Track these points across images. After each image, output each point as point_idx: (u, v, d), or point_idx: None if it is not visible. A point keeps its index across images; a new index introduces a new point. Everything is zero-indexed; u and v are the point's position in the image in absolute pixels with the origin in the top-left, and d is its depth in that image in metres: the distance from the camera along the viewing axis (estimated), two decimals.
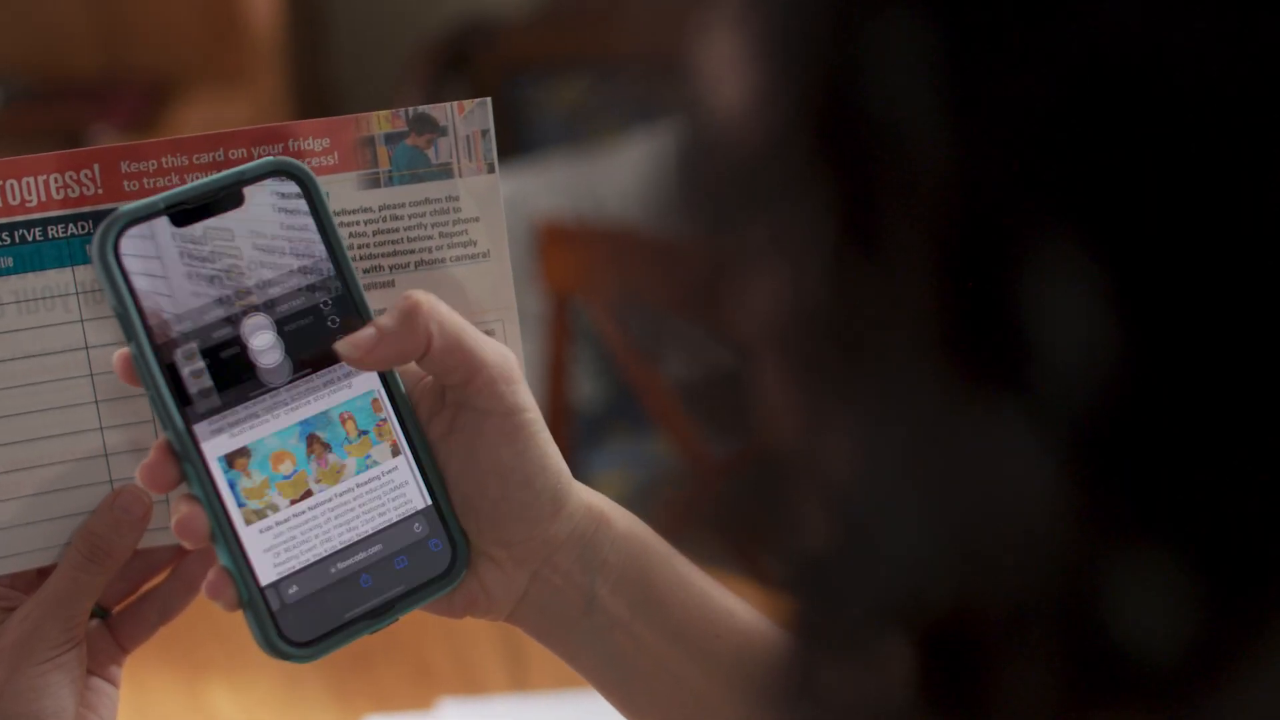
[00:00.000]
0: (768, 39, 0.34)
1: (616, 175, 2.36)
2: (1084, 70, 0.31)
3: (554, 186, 2.34)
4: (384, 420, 0.72)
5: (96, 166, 0.72)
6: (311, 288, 0.71)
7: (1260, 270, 0.31)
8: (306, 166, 0.72)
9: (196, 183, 0.71)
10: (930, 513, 0.33)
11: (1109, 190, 0.31)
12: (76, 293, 0.72)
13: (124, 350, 0.69)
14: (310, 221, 0.71)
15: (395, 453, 0.72)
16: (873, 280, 0.33)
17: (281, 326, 0.71)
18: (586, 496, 0.73)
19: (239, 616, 0.70)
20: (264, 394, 0.70)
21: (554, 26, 2.74)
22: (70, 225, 0.72)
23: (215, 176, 0.71)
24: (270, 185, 0.71)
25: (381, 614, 0.71)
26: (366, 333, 0.70)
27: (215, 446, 0.69)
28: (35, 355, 0.73)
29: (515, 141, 2.66)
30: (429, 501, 0.72)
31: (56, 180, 0.72)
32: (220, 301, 0.70)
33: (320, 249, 0.72)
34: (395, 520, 0.72)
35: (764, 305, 0.35)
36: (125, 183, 0.72)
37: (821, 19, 0.33)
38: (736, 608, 0.73)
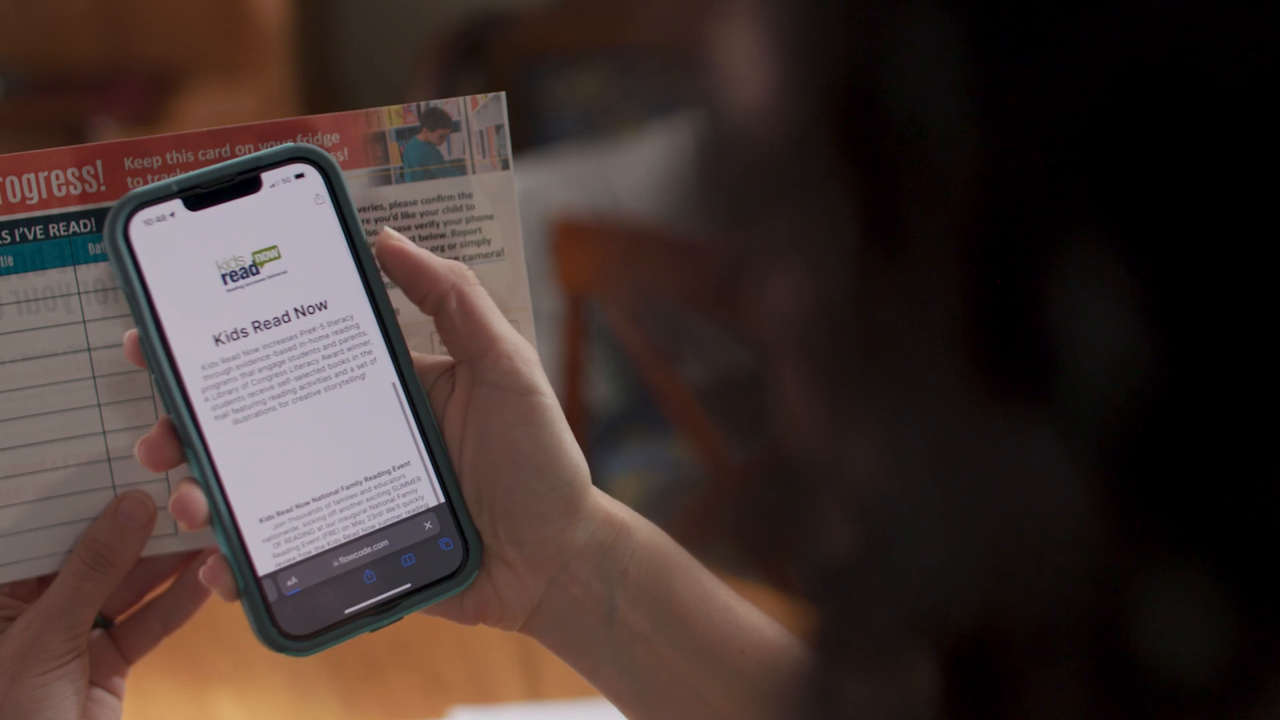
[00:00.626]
0: (788, 34, 0.34)
1: (635, 170, 2.36)
2: (1114, 68, 0.31)
3: (570, 181, 2.34)
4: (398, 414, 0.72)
5: (99, 162, 0.73)
6: (328, 277, 0.72)
7: None
8: (327, 153, 0.72)
9: (212, 167, 0.71)
10: (955, 524, 0.33)
11: (1140, 193, 0.31)
12: (79, 293, 0.73)
13: (133, 331, 0.70)
14: (330, 209, 0.72)
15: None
16: (896, 282, 0.33)
17: (296, 315, 0.71)
18: (606, 504, 0.72)
19: (244, 625, 0.70)
20: (273, 381, 0.71)
21: (571, 16, 2.74)
22: (72, 223, 0.73)
23: (232, 161, 0.71)
24: (289, 171, 0.72)
25: (384, 611, 0.71)
26: (406, 242, 0.72)
27: (218, 431, 0.69)
28: (36, 357, 0.73)
29: (530, 135, 2.66)
30: (442, 499, 0.72)
31: (58, 177, 0.72)
32: (232, 287, 0.70)
33: (340, 237, 0.72)
34: (404, 516, 0.72)
35: (784, 305, 0.35)
36: (129, 179, 0.73)
37: (842, 15, 0.33)
38: (760, 623, 0.73)
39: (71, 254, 0.73)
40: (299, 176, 0.72)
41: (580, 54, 2.72)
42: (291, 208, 0.71)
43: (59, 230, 0.72)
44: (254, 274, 0.71)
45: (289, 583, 0.70)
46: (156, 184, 0.70)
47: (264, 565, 0.69)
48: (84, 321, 0.73)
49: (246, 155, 0.72)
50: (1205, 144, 0.30)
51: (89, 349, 0.73)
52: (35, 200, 0.72)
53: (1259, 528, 0.31)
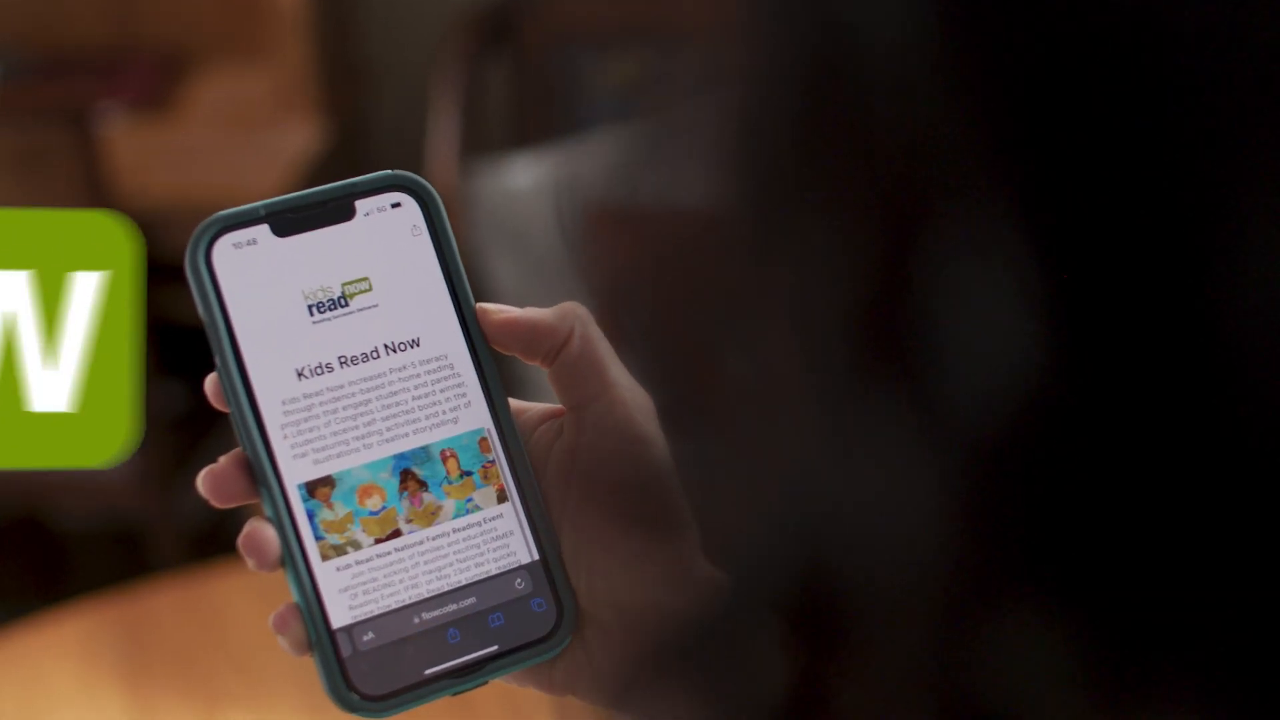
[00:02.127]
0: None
1: (675, 157, 2.36)
2: (1064, 35, 0.30)
3: (607, 169, 2.34)
4: (492, 463, 0.71)
5: None
6: (422, 313, 0.71)
7: (1229, 294, 0.29)
8: (428, 183, 0.72)
9: (303, 192, 0.70)
10: (790, 484, 0.33)
11: (1067, 179, 0.30)
12: None
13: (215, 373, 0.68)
14: (428, 241, 0.72)
15: (501, 499, 0.71)
16: (811, 227, 0.33)
17: (386, 352, 0.71)
18: (714, 571, 0.69)
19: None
20: (357, 421, 0.70)
21: None
22: None
23: (325, 187, 0.71)
24: (385, 199, 0.71)
25: (467, 674, 0.69)
26: (507, 309, 0.71)
27: (296, 471, 0.69)
28: None
29: (565, 120, 2.67)
30: (536, 556, 0.71)
31: None
32: (319, 319, 0.70)
33: (436, 272, 0.72)
34: (494, 573, 0.70)
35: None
36: None
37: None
38: None
39: None
40: (395, 206, 0.71)
41: (617, 33, 2.72)
42: (386, 238, 0.71)
43: None
44: (343, 306, 0.70)
45: (365, 638, 0.68)
46: (243, 207, 0.69)
47: (339, 617, 0.68)
48: None
49: (340, 182, 0.71)
50: (1151, 135, 0.29)
51: None
52: None
53: (1121, 574, 0.30)
